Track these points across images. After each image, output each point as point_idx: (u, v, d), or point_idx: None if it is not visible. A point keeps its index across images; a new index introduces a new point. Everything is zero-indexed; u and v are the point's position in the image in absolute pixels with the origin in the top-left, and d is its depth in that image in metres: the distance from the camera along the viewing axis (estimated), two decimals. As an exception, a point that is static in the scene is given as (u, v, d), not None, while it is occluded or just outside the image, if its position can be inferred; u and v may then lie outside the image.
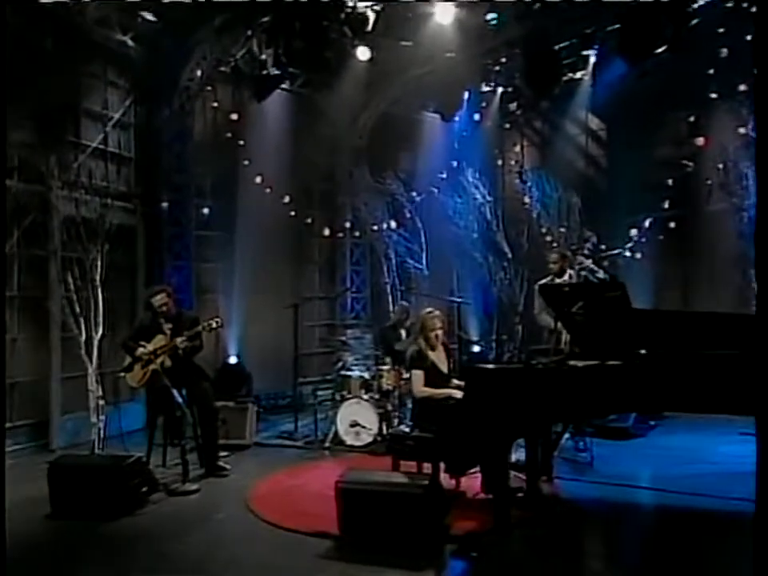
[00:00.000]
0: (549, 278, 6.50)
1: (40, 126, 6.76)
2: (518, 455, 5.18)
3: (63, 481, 4.79)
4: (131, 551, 4.21)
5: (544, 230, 8.77)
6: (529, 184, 9.06)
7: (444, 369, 5.18)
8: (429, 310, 5.24)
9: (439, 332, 5.13)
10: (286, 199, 9.15)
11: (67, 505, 4.75)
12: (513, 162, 10.19)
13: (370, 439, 6.63)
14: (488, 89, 9.59)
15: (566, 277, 6.45)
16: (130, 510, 4.75)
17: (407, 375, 6.71)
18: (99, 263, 6.56)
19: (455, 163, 9.63)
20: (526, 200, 9.07)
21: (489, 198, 9.24)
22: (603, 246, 7.74)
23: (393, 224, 9.74)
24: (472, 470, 4.69)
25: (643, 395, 4.10)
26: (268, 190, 8.83)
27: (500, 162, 10.38)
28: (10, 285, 6.61)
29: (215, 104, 8.83)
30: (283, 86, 8.96)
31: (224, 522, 4.73)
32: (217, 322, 5.76)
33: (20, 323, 6.72)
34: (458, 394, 4.81)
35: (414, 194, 9.68)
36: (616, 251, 7.35)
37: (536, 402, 4.16)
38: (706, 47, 7.25)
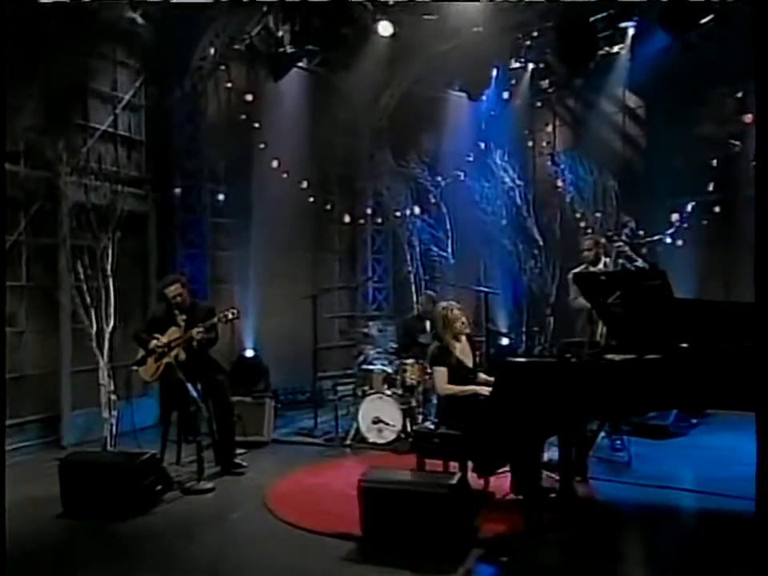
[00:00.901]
0: (583, 267, 6.44)
1: (47, 108, 6.81)
2: (550, 454, 5.14)
3: (74, 479, 4.86)
4: (144, 551, 4.26)
5: (578, 216, 8.68)
6: (561, 166, 8.96)
7: (469, 363, 5.16)
8: (443, 304, 5.22)
9: (462, 325, 5.12)
10: (304, 184, 9.16)
11: (78, 503, 4.82)
12: (544, 143, 10.09)
13: (393, 436, 6.64)
14: (518, 65, 9.49)
15: (601, 265, 6.39)
16: (143, 510, 4.80)
17: (430, 369, 6.74)
18: (110, 252, 6.61)
19: (482, 145, 9.56)
20: (559, 183, 8.97)
21: (518, 182, 9.17)
22: (642, 232, 7.61)
23: (416, 210, 9.71)
24: (501, 470, 4.66)
25: (684, 391, 4.04)
26: (285, 175, 8.84)
27: (530, 144, 10.27)
28: (18, 275, 6.71)
29: (229, 84, 8.84)
30: (300, 64, 8.96)
31: (240, 522, 4.78)
32: (233, 313, 5.78)
33: (28, 315, 6.82)
34: (485, 391, 4.80)
35: (439, 177, 9.63)
36: (656, 237, 7.23)
37: (570, 398, 4.12)
38: (755, 17, 7.07)
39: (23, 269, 6.76)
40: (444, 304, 5.19)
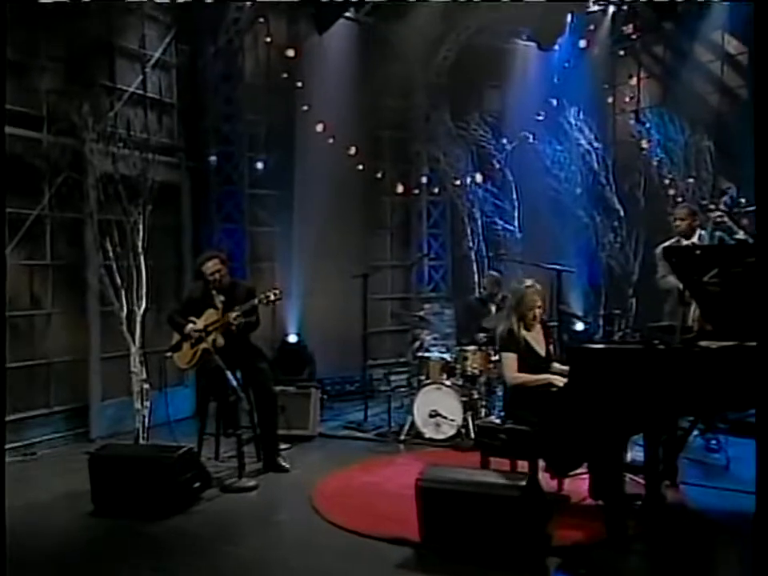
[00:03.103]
0: (674, 240, 6.29)
1: (69, 68, 6.96)
2: (634, 454, 5.07)
3: (105, 474, 4.99)
4: (180, 554, 4.36)
5: (666, 182, 8.46)
6: (647, 125, 8.73)
7: (541, 351, 5.11)
8: (527, 283, 5.14)
9: (538, 310, 5.06)
10: (352, 150, 9.16)
11: (110, 501, 4.95)
12: (627, 99, 9.83)
13: (453, 432, 6.66)
14: (597, 8, 9.27)
15: (695, 238, 6.23)
16: (179, 509, 4.91)
17: (496, 357, 6.70)
18: (141, 227, 6.71)
19: (554, 102, 9.39)
20: (644, 145, 8.75)
21: (596, 144, 8.97)
22: (743, 200, 7.36)
23: (478, 177, 9.62)
24: (577, 471, 4.62)
25: (794, 383, 3.90)
26: (330, 140, 8.85)
27: (610, 99, 10.04)
28: (42, 253, 6.90)
29: (268, 38, 8.87)
30: (347, 14, 8.92)
31: (285, 524, 4.86)
32: (275, 294, 5.81)
33: (54, 296, 7.01)
34: (559, 381, 4.75)
35: (504, 140, 9.51)
36: (759, 205, 6.98)
37: (658, 391, 4.04)
38: None
39: (47, 246, 6.94)
40: (529, 282, 5.12)
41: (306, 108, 8.83)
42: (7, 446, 6.20)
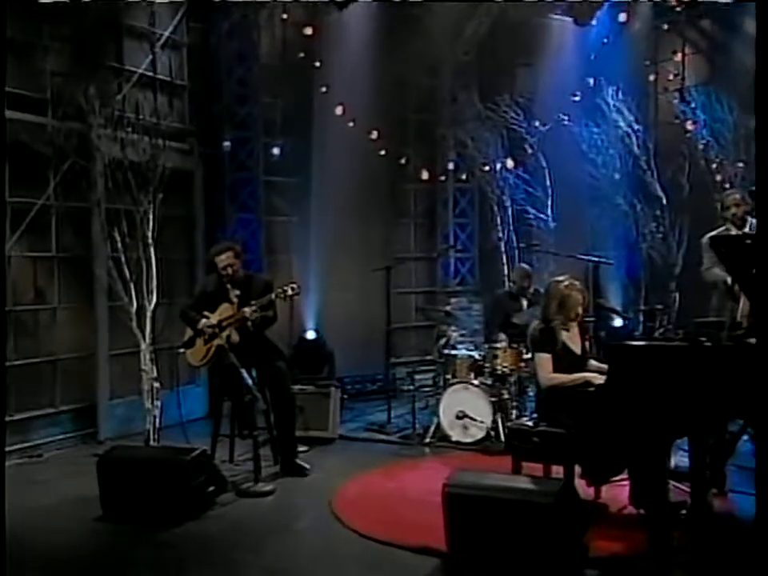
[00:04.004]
0: (722, 229, 6.21)
1: (75, 49, 7.00)
2: (678, 460, 5.02)
3: (114, 477, 5.03)
4: (193, 562, 4.38)
5: (713, 166, 8.36)
6: (693, 105, 8.62)
7: (577, 349, 5.09)
8: (568, 282, 5.09)
9: (580, 310, 5.04)
10: (374, 134, 9.14)
11: (119, 506, 4.99)
12: (670, 77, 9.70)
13: (482, 434, 6.65)
14: (638, -21, 9.17)
15: (747, 228, 6.14)
16: (192, 514, 4.93)
17: (528, 355, 6.67)
18: (151, 217, 6.76)
19: (591, 81, 9.28)
20: (689, 126, 8.64)
21: (637, 126, 8.87)
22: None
23: (509, 163, 9.55)
24: (617, 478, 4.60)
25: None
26: (351, 124, 8.84)
27: (652, 78, 9.91)
28: (47, 244, 6.97)
29: (285, 15, 8.87)
30: (369, -12, 8.88)
31: (303, 531, 4.88)
32: (293, 288, 5.84)
33: (60, 290, 7.08)
34: (598, 379, 4.71)
35: (537, 122, 9.42)
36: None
37: (705, 392, 3.99)
38: None
39: (53, 237, 7.00)
40: (566, 282, 5.07)
41: (324, 89, 8.82)
42: (11, 448, 6.29)
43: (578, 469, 4.60)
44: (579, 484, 4.54)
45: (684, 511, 4.59)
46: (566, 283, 5.06)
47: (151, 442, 6.60)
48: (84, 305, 7.24)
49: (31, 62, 6.76)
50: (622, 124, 8.90)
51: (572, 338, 5.08)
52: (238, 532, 4.77)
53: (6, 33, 5.21)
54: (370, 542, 4.51)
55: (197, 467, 5.05)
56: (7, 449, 5.94)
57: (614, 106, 8.89)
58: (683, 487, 4.76)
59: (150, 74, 7.85)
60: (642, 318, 9.06)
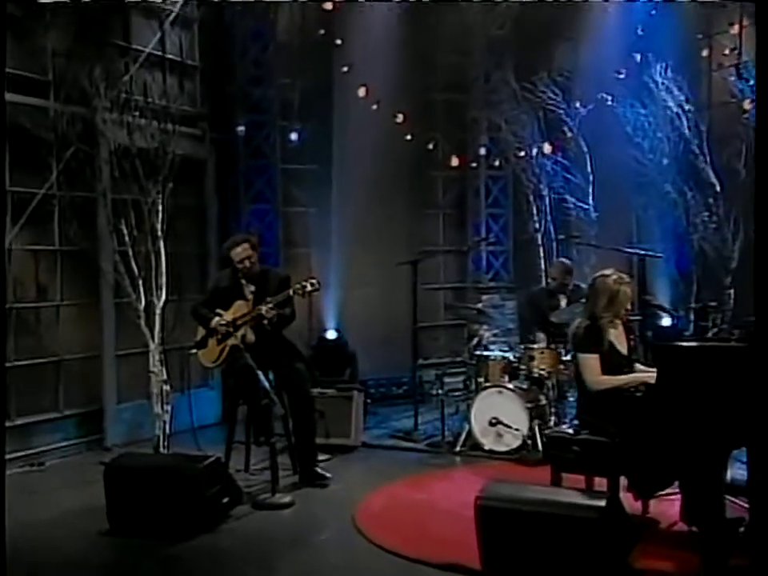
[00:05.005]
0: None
1: (78, 27, 7.03)
2: (735, 472, 4.96)
3: (122, 487, 5.05)
4: (208, 579, 4.41)
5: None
6: (750, 83, 8.50)
7: (623, 350, 5.05)
8: (617, 274, 5.04)
9: (629, 306, 5.03)
10: (399, 117, 9.13)
11: (128, 518, 5.01)
12: (726, 52, 9.57)
13: (517, 443, 6.63)
14: (689, -58, 9.06)
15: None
16: (205, 527, 4.95)
17: (567, 357, 6.63)
18: (160, 207, 6.78)
19: (638, 57, 9.18)
20: (746, 106, 8.52)
21: (687, 106, 8.76)
22: None
23: (546, 147, 9.50)
24: (667, 491, 4.57)
25: None
26: (374, 106, 8.83)
27: (705, 53, 9.78)
28: (50, 237, 7.03)
29: (303, -11, 8.89)
30: (394, -42, 8.86)
31: (325, 546, 4.88)
32: (312, 284, 5.84)
33: (63, 285, 7.13)
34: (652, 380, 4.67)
35: (578, 103, 9.35)
36: None
37: (764, 397, 3.94)
38: None
39: (55, 229, 7.06)
40: (615, 276, 5.03)
41: (346, 69, 8.82)
42: (12, 455, 6.34)
43: (623, 481, 4.57)
44: (625, 497, 4.49)
45: (741, 529, 4.53)
46: (615, 277, 5.01)
47: (161, 449, 6.63)
48: (89, 302, 7.29)
49: (31, 40, 6.80)
50: (671, 104, 8.79)
51: (618, 338, 5.04)
52: (254, 547, 4.79)
53: (5, 9, 5.22)
54: (396, 559, 4.50)
55: (210, 477, 5.06)
56: (7, 456, 5.97)
57: (663, 84, 8.78)
58: (740, 502, 4.69)
59: (159, 53, 7.88)
60: (692, 317, 8.96)
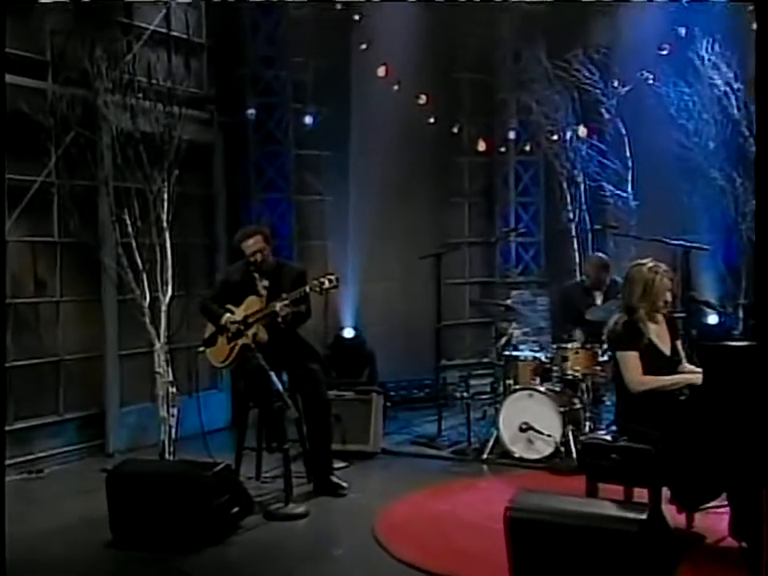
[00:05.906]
0: None
1: (78, 3, 7.05)
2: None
3: (126, 496, 5.07)
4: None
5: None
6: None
7: (666, 349, 5.02)
8: (653, 262, 5.02)
9: (669, 297, 4.98)
10: (422, 99, 9.12)
11: (132, 529, 5.03)
12: (779, 25, 9.53)
13: (550, 450, 6.62)
14: None
15: None
16: (215, 538, 4.96)
17: (604, 357, 6.61)
18: (165, 196, 6.82)
19: (682, 31, 9.11)
20: (801, 85, 8.47)
21: (736, 85, 8.70)
22: None
23: (581, 131, 9.46)
24: (713, 503, 4.56)
25: None
26: (395, 87, 8.84)
27: (756, 26, 9.74)
28: (49, 228, 7.07)
29: (318, -39, 8.89)
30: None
31: (342, 560, 4.90)
32: (330, 280, 5.82)
33: (63, 280, 7.17)
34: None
35: (616, 82, 9.32)
36: None
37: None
38: None
39: (54, 220, 7.10)
40: (650, 264, 5.02)
41: (364, 47, 8.82)
42: (9, 462, 6.37)
43: (666, 492, 4.56)
44: (668, 510, 4.46)
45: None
46: (650, 265, 4.99)
47: (167, 456, 6.67)
48: (90, 298, 7.33)
49: (28, 18, 6.84)
50: (718, 82, 8.73)
51: (659, 335, 5.00)
52: (265, 560, 4.82)
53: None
54: (419, 574, 4.49)
55: (219, 485, 5.07)
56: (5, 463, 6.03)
57: (710, 60, 8.73)
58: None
59: (164, 31, 7.89)
60: (741, 314, 8.92)
